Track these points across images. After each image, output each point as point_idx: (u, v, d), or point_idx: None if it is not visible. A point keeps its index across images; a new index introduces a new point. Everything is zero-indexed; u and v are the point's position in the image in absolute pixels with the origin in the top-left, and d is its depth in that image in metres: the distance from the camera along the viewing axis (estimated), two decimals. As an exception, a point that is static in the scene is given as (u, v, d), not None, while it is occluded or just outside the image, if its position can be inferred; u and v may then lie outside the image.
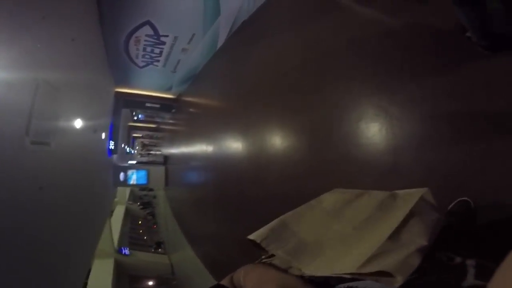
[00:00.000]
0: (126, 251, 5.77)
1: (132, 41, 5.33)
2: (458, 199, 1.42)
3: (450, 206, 1.42)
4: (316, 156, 2.52)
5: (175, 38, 5.27)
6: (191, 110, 7.21)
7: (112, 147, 7.95)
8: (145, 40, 5.35)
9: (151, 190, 7.83)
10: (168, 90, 7.41)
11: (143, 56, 5.93)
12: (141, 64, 6.20)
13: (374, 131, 1.97)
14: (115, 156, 8.32)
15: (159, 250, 5.97)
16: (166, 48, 5.64)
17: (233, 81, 4.81)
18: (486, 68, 1.50)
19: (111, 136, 7.99)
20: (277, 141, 3.20)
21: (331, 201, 0.94)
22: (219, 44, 5.37)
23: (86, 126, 5.29)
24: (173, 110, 7.86)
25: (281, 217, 0.91)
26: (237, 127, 4.37)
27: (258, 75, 3.87)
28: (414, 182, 1.60)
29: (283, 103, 3.12)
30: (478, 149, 1.45)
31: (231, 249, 3.80)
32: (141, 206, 6.55)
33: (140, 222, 6.10)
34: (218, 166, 5.10)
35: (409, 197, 0.89)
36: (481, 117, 1.47)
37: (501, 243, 1.00)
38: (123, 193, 7.54)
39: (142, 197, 6.56)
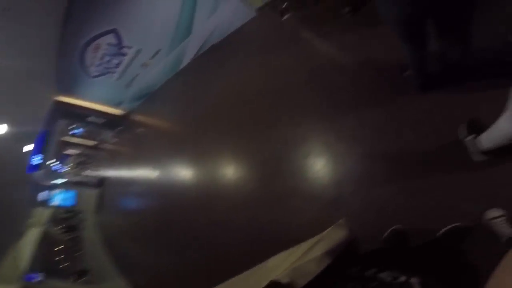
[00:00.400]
0: (37, 278, 4.82)
1: (91, 48, 5.15)
2: (392, 228, 1.65)
3: (385, 234, 1.65)
4: (266, 188, 2.66)
5: (138, 51, 5.27)
6: (139, 130, 6.93)
7: (37, 162, 6.96)
8: (105, 49, 5.23)
9: (79, 213, 6.90)
10: (117, 105, 7.06)
11: (99, 65, 5.68)
12: (94, 73, 5.90)
13: (320, 166, 2.23)
14: (38, 173, 7.25)
15: (83, 279, 5.13)
16: (126, 60, 5.53)
17: (191, 105, 4.89)
18: (417, 108, 1.84)
19: (38, 150, 7.04)
20: (229, 170, 3.29)
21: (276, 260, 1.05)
22: (183, 64, 5.56)
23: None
24: (119, 128, 7.42)
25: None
26: (188, 153, 4.37)
27: (217, 101, 4.09)
28: (355, 212, 1.86)
29: (238, 133, 3.28)
30: (408, 184, 1.74)
31: (169, 281, 3.57)
32: (63, 230, 5.61)
33: (61, 247, 5.17)
34: (163, 193, 4.84)
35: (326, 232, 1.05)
36: (410, 154, 1.78)
37: (432, 262, 1.30)
38: (42, 214, 6.47)
39: (67, 219, 5.66)
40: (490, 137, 1.38)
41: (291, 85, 2.92)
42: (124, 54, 5.42)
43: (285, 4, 3.83)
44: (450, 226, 1.43)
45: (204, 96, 4.52)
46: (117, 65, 5.74)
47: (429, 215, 1.57)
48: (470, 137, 1.52)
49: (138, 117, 7.11)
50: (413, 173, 1.73)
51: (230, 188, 3.14)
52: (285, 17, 3.80)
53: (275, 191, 2.53)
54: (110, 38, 4.97)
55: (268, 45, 3.78)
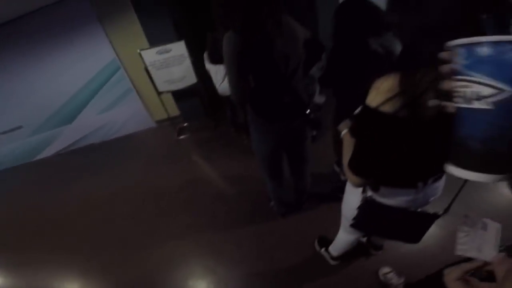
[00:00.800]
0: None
1: None
2: None
3: None
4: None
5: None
6: None
7: None
8: None
9: None
10: None
11: None
12: None
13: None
14: None
15: None
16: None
17: (37, 204, 3.44)
18: (283, 231, 2.21)
19: None
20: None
21: None
22: (43, 154, 4.50)
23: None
24: None
25: None
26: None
27: (72, 209, 3.11)
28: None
29: (96, 250, 2.45)
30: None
31: None
32: None
33: None
34: None
35: None
36: (281, 270, 1.96)
37: None
38: None
39: None
40: (335, 247, 1.77)
41: (171, 204, 2.72)
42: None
43: (186, 124, 3.92)
44: None
45: (58, 198, 3.38)
46: None
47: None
48: (322, 250, 1.94)
49: None
50: (288, 285, 1.89)
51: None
52: (182, 136, 3.79)
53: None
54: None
55: (156, 159, 3.58)
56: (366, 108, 0.66)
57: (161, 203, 2.73)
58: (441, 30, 0.53)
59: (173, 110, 4.00)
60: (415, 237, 1.08)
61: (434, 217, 0.97)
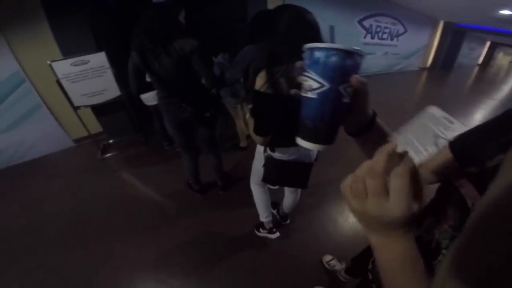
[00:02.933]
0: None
1: None
2: None
3: None
4: None
5: None
6: None
7: None
8: None
9: None
10: None
11: None
12: None
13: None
14: None
15: None
16: None
17: None
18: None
19: None
20: None
21: None
22: None
23: None
24: None
25: None
26: None
27: None
28: None
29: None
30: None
31: None
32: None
33: None
34: None
35: None
36: (220, 252, 2.09)
37: None
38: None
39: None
40: (259, 209, 2.08)
41: (104, 225, 2.47)
42: None
43: (111, 141, 3.62)
44: None
45: None
46: None
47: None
48: (261, 232, 2.23)
49: None
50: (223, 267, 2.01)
51: None
52: (108, 154, 3.48)
53: None
54: None
55: (78, 182, 3.18)
56: (255, 92, 1.00)
57: (92, 227, 2.42)
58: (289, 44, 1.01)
59: (95, 126, 3.66)
60: (303, 183, 1.58)
61: (310, 165, 1.53)
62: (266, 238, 2.19)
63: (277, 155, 1.48)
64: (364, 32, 6.33)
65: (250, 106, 1.30)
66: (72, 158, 3.64)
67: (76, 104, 3.07)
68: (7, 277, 1.99)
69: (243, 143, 3.50)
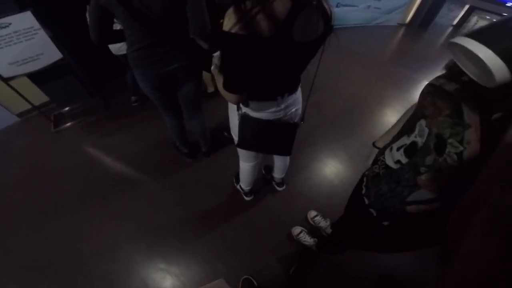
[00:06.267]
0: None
1: None
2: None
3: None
4: None
5: None
6: None
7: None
8: None
9: None
10: None
11: None
12: None
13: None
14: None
15: None
16: None
17: None
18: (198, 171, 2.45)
19: None
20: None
21: None
22: None
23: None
24: None
25: None
26: None
27: None
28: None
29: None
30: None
31: None
32: None
33: None
34: None
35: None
36: (206, 215, 2.13)
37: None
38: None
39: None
40: (242, 179, 1.97)
41: (88, 215, 2.25)
42: None
43: (65, 109, 3.13)
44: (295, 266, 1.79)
45: None
46: None
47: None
48: (238, 185, 2.19)
49: None
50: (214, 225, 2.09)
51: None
52: (63, 126, 3.03)
53: None
54: None
55: (34, 161, 2.78)
56: (224, 34, 0.77)
57: (62, 206, 2.23)
58: None
59: (39, 96, 3.06)
60: (287, 148, 1.36)
61: (295, 125, 1.29)
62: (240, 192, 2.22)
63: (254, 113, 1.20)
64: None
65: (216, 54, 1.15)
66: (20, 135, 3.10)
67: (5, 75, 2.45)
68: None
69: (210, 89, 3.24)
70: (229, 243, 1.96)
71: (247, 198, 2.18)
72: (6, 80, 2.49)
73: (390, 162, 0.83)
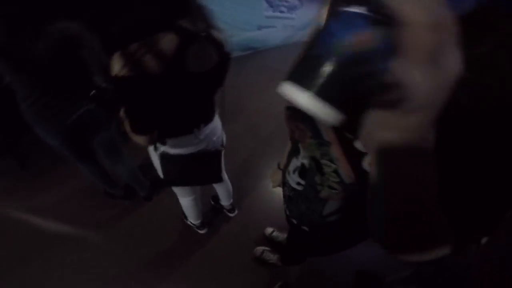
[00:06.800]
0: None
1: None
2: None
3: None
4: None
5: None
6: None
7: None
8: None
9: None
10: None
11: None
12: None
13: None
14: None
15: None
16: None
17: None
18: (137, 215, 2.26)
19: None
20: None
21: None
22: None
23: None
24: None
25: None
26: None
27: None
28: None
29: None
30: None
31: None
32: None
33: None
34: None
35: None
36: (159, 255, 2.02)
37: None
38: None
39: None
40: (188, 214, 1.85)
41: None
42: None
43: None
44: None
45: None
46: None
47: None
48: (188, 221, 2.01)
49: None
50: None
51: None
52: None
53: None
54: None
55: None
56: (114, 78, 0.79)
57: None
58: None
59: None
60: (216, 176, 1.36)
61: (217, 152, 1.29)
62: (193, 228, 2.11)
63: (173, 149, 1.18)
64: (266, 5, 6.31)
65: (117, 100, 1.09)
66: None
67: None
68: None
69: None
70: (196, 280, 1.89)
71: (201, 231, 2.10)
72: None
73: (293, 184, 0.81)
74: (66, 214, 2.33)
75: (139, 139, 0.94)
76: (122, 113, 0.96)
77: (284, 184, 0.93)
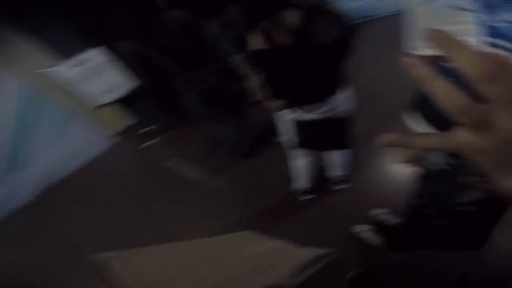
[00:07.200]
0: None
1: None
2: None
3: None
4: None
5: None
6: None
7: None
8: None
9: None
10: None
11: None
12: None
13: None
14: None
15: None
16: None
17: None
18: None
19: None
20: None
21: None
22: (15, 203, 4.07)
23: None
24: None
25: None
26: None
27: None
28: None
29: None
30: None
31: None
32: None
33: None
34: None
35: None
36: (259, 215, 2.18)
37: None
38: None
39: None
40: (295, 178, 1.95)
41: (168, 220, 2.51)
42: None
43: (147, 128, 3.45)
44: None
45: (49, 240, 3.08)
46: None
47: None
48: (293, 186, 2.10)
49: None
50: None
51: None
52: (148, 143, 3.35)
53: None
54: None
55: (129, 173, 3.26)
56: (253, 53, 0.99)
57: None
58: None
59: (127, 119, 3.56)
60: (346, 141, 1.43)
61: (348, 119, 1.32)
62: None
63: (304, 115, 1.26)
64: None
65: (253, 71, 1.26)
66: (116, 154, 3.65)
67: (99, 103, 2.90)
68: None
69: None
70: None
71: (304, 197, 2.09)
72: (99, 107, 2.94)
73: (439, 162, 0.79)
74: (199, 163, 2.91)
75: (273, 105, 1.09)
76: (254, 83, 1.15)
77: (421, 160, 0.92)
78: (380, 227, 1.77)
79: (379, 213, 1.80)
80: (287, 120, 1.35)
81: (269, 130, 2.40)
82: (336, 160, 1.85)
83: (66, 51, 2.59)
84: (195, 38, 1.65)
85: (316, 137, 1.34)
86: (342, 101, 1.27)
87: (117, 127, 3.59)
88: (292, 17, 0.88)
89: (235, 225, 2.13)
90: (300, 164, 1.77)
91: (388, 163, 2.17)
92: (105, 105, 2.95)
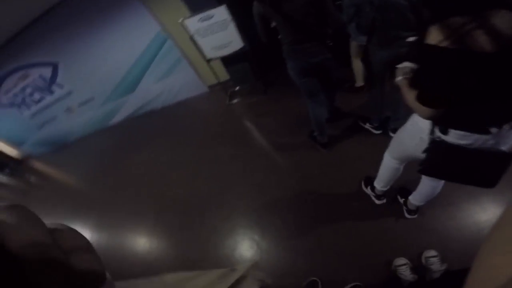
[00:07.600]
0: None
1: (18, 74, 4.48)
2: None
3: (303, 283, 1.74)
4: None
5: (69, 93, 4.69)
6: (33, 178, 5.46)
7: None
8: (32, 80, 4.55)
9: None
10: (16, 144, 5.78)
11: (15, 95, 4.80)
12: (4, 101, 4.93)
13: (245, 260, 2.11)
14: None
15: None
16: (50, 99, 4.81)
17: (110, 167, 4.07)
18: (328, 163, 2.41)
19: None
20: (139, 241, 2.68)
21: (174, 277, 0.93)
22: (113, 121, 5.05)
23: None
24: (6, 171, 5.82)
25: None
26: (90, 217, 3.32)
27: (142, 171, 3.52)
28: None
29: (155, 214, 2.79)
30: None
31: None
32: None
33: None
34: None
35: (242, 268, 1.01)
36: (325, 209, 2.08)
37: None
38: None
39: None
40: (380, 177, 1.78)
41: (228, 175, 2.81)
42: (51, 92, 4.75)
43: (237, 88, 3.89)
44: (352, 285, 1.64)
45: (128, 162, 3.87)
46: (38, 100, 4.93)
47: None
48: (368, 188, 2.01)
49: (38, 164, 5.76)
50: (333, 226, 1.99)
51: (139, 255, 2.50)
52: (234, 100, 3.79)
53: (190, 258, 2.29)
54: (45, 71, 4.44)
55: (210, 125, 3.72)
56: (429, 46, 0.77)
57: (215, 171, 2.88)
58: None
59: (223, 74, 4.02)
60: (491, 180, 1.02)
61: (506, 155, 0.95)
62: (370, 198, 1.97)
63: (452, 139, 0.98)
64: None
65: (402, 66, 1.04)
66: (207, 102, 4.25)
67: (208, 57, 3.37)
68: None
69: (359, 83, 3.09)
70: (323, 244, 1.89)
71: (377, 202, 1.91)
72: (208, 61, 3.42)
73: None
74: (274, 137, 2.99)
75: (421, 109, 0.89)
76: (403, 80, 0.97)
77: None
78: (420, 267, 1.61)
79: (431, 255, 1.61)
80: (421, 133, 1.11)
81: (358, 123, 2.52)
82: (422, 189, 1.60)
83: (200, 5, 3.04)
84: (318, 13, 1.68)
85: (458, 168, 1.06)
86: (508, 131, 0.95)
87: (213, 81, 4.12)
88: (507, 21, 0.69)
89: (282, 206, 2.23)
90: (390, 163, 1.59)
91: (477, 212, 1.77)
92: (212, 59, 3.43)
